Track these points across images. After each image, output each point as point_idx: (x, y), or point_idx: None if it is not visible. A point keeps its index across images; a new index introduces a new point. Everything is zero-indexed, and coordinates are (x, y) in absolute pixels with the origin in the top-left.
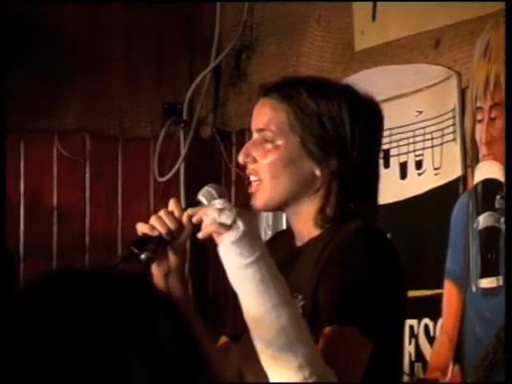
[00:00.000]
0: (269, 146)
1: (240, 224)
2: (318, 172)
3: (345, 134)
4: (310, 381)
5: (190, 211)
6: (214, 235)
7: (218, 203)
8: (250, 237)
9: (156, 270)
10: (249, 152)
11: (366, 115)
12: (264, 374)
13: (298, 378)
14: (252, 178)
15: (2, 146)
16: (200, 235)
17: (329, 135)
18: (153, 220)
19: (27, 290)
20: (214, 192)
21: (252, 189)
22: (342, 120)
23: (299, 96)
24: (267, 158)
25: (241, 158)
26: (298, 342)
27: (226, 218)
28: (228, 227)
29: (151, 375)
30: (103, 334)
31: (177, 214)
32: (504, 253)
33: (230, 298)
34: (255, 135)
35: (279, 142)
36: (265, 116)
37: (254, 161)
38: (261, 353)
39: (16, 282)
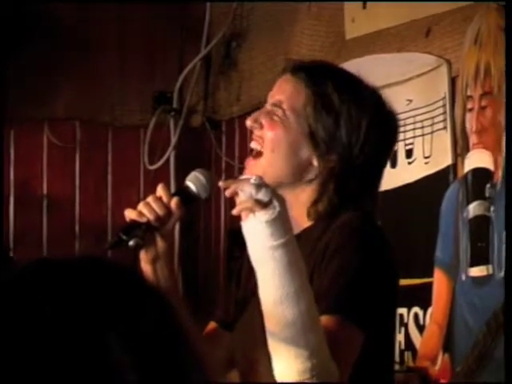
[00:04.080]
0: (278, 120)
1: (276, 204)
2: (315, 163)
3: (357, 140)
4: (315, 371)
5: (222, 183)
6: (245, 211)
7: (254, 179)
8: (284, 218)
9: (144, 256)
10: (258, 118)
11: (384, 127)
12: (260, 364)
13: (305, 366)
14: (254, 145)
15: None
16: (235, 211)
17: (340, 135)
18: (141, 206)
19: (9, 280)
20: (201, 177)
21: (250, 162)
22: (360, 126)
23: (326, 87)
24: (273, 130)
25: (249, 123)
26: (311, 330)
27: (264, 195)
28: (264, 205)
29: (133, 363)
30: (83, 321)
31: (165, 199)
32: (496, 242)
33: (220, 284)
34: (268, 106)
35: (288, 123)
36: (284, 93)
37: (261, 127)
38: (272, 336)
39: (9, 265)
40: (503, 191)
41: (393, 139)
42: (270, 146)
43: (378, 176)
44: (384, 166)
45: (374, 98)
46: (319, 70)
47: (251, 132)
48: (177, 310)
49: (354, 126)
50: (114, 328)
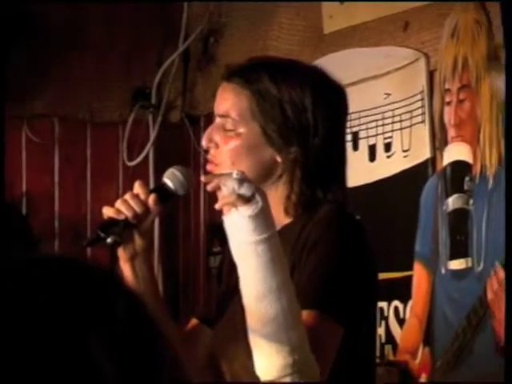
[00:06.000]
0: (230, 132)
1: (259, 198)
2: (279, 159)
3: (307, 121)
4: (296, 367)
5: (204, 178)
6: (228, 206)
7: (236, 174)
8: (266, 213)
9: (122, 254)
10: (212, 137)
11: (331, 101)
12: (241, 361)
13: (286, 361)
14: (209, 167)
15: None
16: (217, 206)
17: (290, 122)
18: (119, 203)
19: None
20: (178, 174)
21: (209, 167)
22: (305, 107)
23: (261, 81)
24: (229, 145)
25: (204, 143)
26: (293, 326)
27: (246, 190)
28: (246, 200)
29: (109, 357)
30: (59, 320)
31: (143, 196)
32: (475, 235)
33: (200, 281)
34: (217, 119)
35: (240, 130)
36: (227, 102)
37: (217, 146)
38: (254, 331)
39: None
40: (482, 184)
41: (342, 110)
42: (230, 159)
43: (341, 155)
44: (344, 141)
45: (311, 76)
46: (251, 68)
47: (206, 152)
48: (151, 311)
49: (299, 110)
50: (89, 327)
